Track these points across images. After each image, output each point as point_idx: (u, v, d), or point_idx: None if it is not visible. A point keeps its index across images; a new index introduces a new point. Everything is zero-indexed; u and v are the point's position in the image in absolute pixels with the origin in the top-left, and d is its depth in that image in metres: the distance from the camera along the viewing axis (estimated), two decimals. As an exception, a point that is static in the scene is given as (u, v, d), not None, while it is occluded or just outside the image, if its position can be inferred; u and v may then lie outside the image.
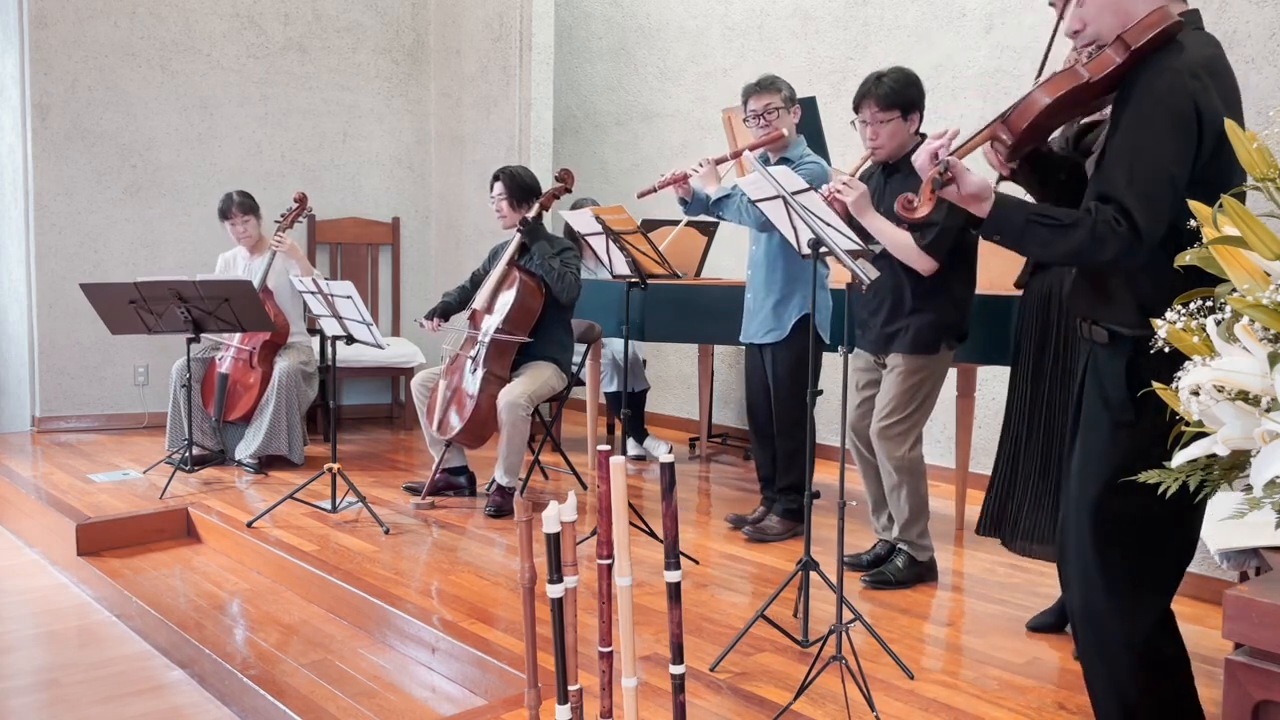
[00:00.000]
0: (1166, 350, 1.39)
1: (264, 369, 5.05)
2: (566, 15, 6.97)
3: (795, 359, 3.84)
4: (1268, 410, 1.22)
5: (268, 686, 2.84)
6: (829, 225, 2.74)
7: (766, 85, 3.83)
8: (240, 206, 5.16)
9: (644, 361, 5.83)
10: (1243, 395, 1.25)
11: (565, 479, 5.01)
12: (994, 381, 4.76)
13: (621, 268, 3.91)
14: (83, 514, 4.22)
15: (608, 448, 1.68)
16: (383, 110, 6.79)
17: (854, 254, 2.72)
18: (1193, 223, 1.43)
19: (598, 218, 3.77)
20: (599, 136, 6.99)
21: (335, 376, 4.38)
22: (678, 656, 1.70)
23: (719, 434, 6.08)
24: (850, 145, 4.59)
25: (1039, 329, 3.06)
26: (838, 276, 4.06)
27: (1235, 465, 1.32)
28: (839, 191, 3.18)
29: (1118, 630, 1.89)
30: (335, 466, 4.26)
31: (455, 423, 4.34)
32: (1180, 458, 1.34)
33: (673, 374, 6.53)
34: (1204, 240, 1.39)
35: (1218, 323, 1.32)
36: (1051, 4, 2.10)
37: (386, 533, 4.04)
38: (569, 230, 4.90)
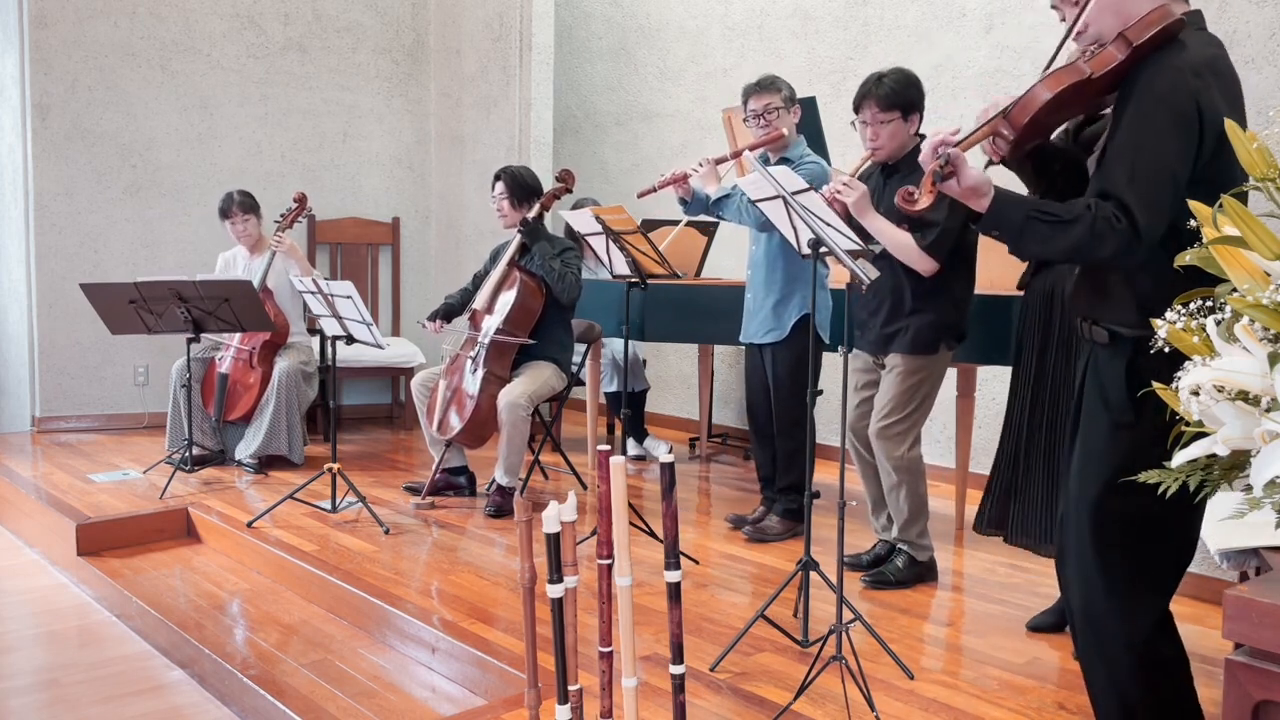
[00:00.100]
0: (1166, 350, 1.39)
1: (264, 369, 5.05)
2: (566, 15, 6.97)
3: (795, 359, 3.84)
4: (1268, 410, 1.22)
5: (268, 686, 2.84)
6: (829, 225, 2.74)
7: (766, 85, 3.83)
8: (241, 205, 5.16)
9: (644, 361, 5.83)
10: (1243, 395, 1.25)
11: (565, 479, 5.01)
12: (994, 381, 4.76)
13: (621, 268, 3.91)
14: (83, 514, 4.22)
15: (608, 448, 1.68)
16: (383, 110, 6.79)
17: (854, 254, 2.72)
18: (1193, 223, 1.43)
19: (598, 218, 3.77)
20: (599, 136, 6.99)
21: (335, 376, 4.38)
22: (678, 656, 1.70)
23: (719, 434, 6.08)
24: (850, 145, 4.59)
25: (1041, 329, 3.06)
26: (838, 276, 4.06)
27: (1235, 465, 1.32)
28: (839, 192, 3.18)
29: (1117, 630, 1.89)
30: (335, 466, 4.26)
31: (455, 423, 4.34)
32: (1180, 458, 1.34)
33: (673, 374, 6.53)
34: (1204, 240, 1.39)
35: (1218, 323, 1.32)
36: (1054, 7, 2.10)
37: (386, 533, 4.04)
38: (570, 230, 4.90)
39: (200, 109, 6.18)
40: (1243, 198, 1.33)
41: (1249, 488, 1.25)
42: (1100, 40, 1.91)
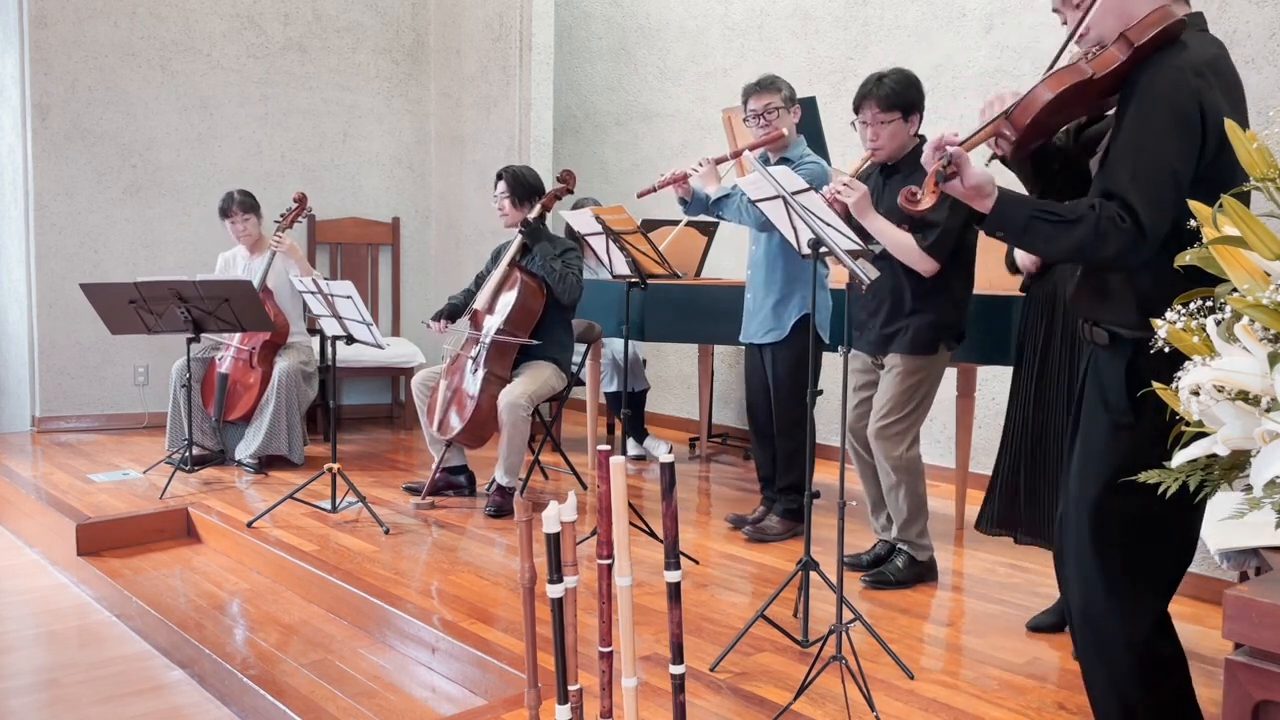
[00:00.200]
0: (1166, 350, 1.39)
1: (264, 369, 5.05)
2: (566, 15, 6.97)
3: (795, 359, 3.84)
4: (1268, 410, 1.22)
5: (268, 686, 2.84)
6: (829, 225, 2.74)
7: (766, 85, 3.83)
8: (241, 205, 5.16)
9: (644, 361, 5.83)
10: (1243, 395, 1.25)
11: (565, 479, 5.01)
12: (994, 381, 4.76)
13: (621, 268, 3.90)
14: (83, 514, 4.22)
15: (608, 448, 1.68)
16: (383, 110, 6.79)
17: (854, 254, 2.72)
18: (1193, 223, 1.43)
19: (598, 218, 3.77)
20: (599, 136, 6.99)
21: (335, 376, 4.38)
22: (678, 656, 1.70)
23: (719, 434, 6.08)
24: (850, 145, 4.59)
25: (1044, 331, 3.06)
26: (838, 276, 4.07)
27: (1235, 465, 1.32)
28: (839, 192, 3.18)
29: (1117, 631, 1.89)
30: (335, 466, 4.26)
31: (455, 423, 4.34)
32: (1180, 458, 1.34)
33: (673, 374, 6.53)
34: (1204, 240, 1.39)
35: (1218, 323, 1.32)
36: (1056, 10, 2.10)
37: (386, 533, 4.04)
38: (570, 230, 4.90)
39: (200, 109, 6.18)
40: (1244, 198, 1.33)
41: (1249, 488, 1.25)
42: (1102, 42, 1.91)
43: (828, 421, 5.28)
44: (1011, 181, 2.19)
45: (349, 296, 4.04)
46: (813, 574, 2.93)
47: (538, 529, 1.70)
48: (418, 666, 3.09)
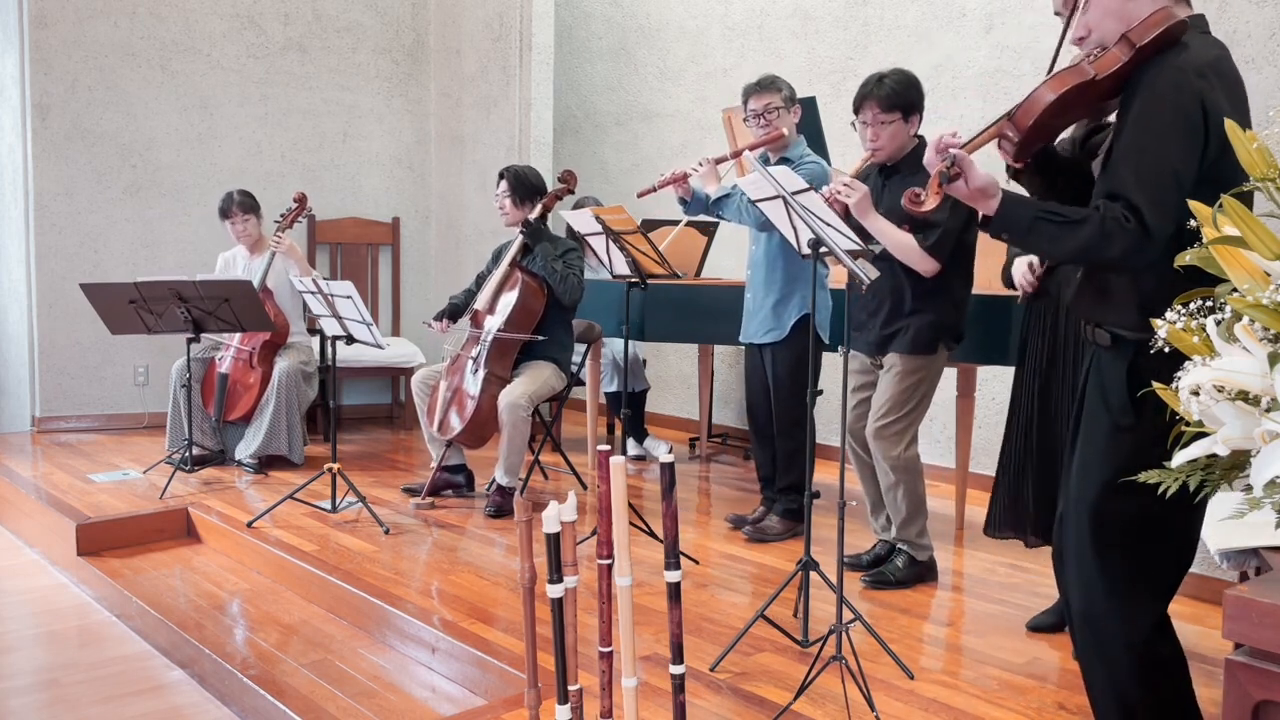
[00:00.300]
0: (1167, 350, 1.39)
1: (264, 369, 5.05)
2: (566, 15, 6.97)
3: (795, 359, 3.84)
4: (1268, 410, 1.22)
5: (268, 686, 2.84)
6: (829, 225, 2.74)
7: (767, 85, 3.83)
8: (241, 205, 5.16)
9: (644, 361, 5.83)
10: (1243, 395, 1.25)
11: (565, 479, 5.01)
12: (994, 381, 4.76)
13: (621, 268, 3.90)
14: (83, 514, 4.22)
15: (608, 448, 1.68)
16: (383, 110, 6.79)
17: (854, 254, 2.72)
18: (1193, 223, 1.43)
19: (598, 218, 3.77)
20: (599, 136, 6.99)
21: (335, 376, 4.38)
22: (678, 656, 1.70)
23: (719, 434, 6.08)
24: (850, 145, 4.59)
25: (1048, 332, 3.05)
26: (838, 276, 4.06)
27: (1235, 465, 1.32)
28: (840, 193, 3.18)
29: (1117, 631, 1.89)
30: (335, 466, 4.26)
31: (456, 423, 4.34)
32: (1180, 458, 1.34)
33: (673, 374, 6.53)
34: (1204, 240, 1.39)
35: (1218, 323, 1.32)
36: (1058, 13, 2.11)
37: (386, 533, 4.04)
38: (572, 230, 4.90)
39: (200, 109, 6.18)
40: (1245, 198, 1.33)
41: (1249, 488, 1.25)
42: (1103, 44, 1.91)
43: (827, 421, 5.28)
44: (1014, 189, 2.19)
45: (349, 296, 4.04)
46: (813, 574, 2.93)
47: (538, 529, 1.70)
48: (418, 666, 3.09)
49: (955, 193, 1.95)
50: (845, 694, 2.56)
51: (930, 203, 1.95)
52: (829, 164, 4.12)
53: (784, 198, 2.79)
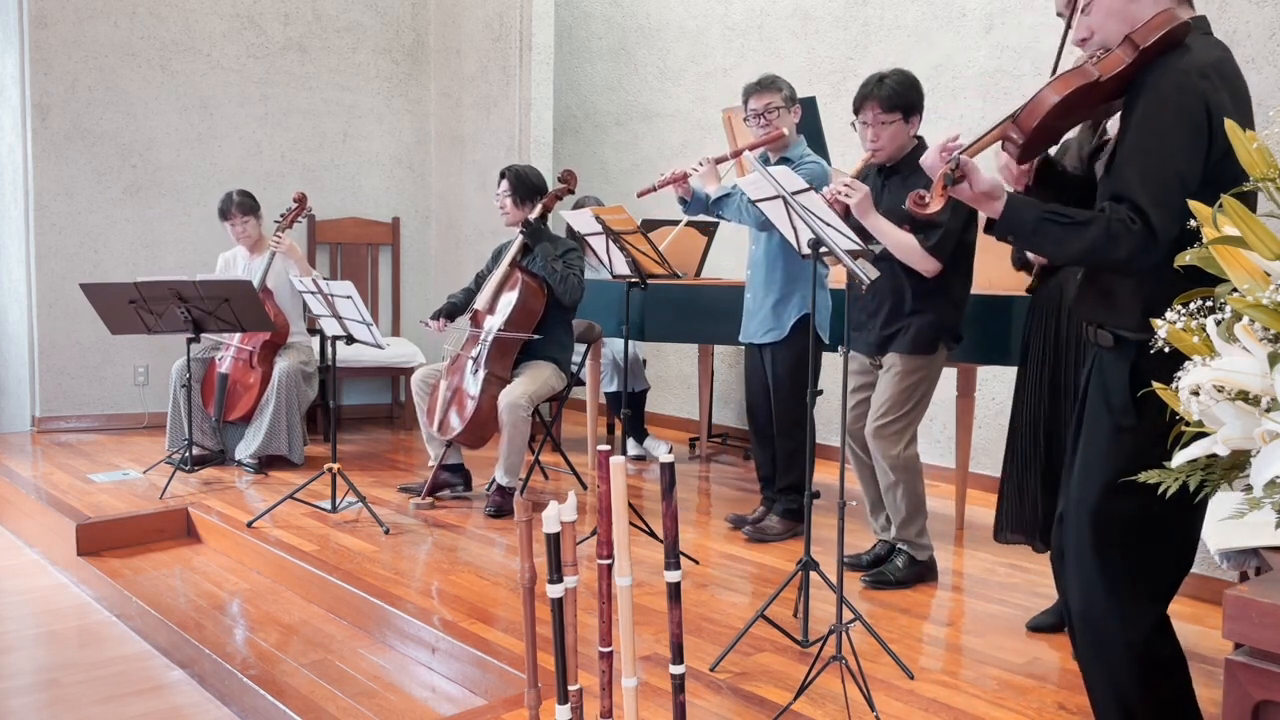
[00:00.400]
0: (1167, 350, 1.39)
1: (264, 369, 5.05)
2: (566, 15, 6.97)
3: (795, 359, 3.84)
4: (1268, 410, 1.22)
5: (268, 686, 2.84)
6: (829, 225, 2.74)
7: (767, 85, 3.83)
8: (240, 207, 5.16)
9: (644, 361, 5.83)
10: (1243, 395, 1.25)
11: (565, 479, 5.01)
12: (994, 381, 4.76)
13: (621, 268, 3.90)
14: (83, 514, 4.22)
15: (608, 448, 1.68)
16: (383, 110, 6.79)
17: (854, 254, 2.72)
18: (1193, 223, 1.43)
19: (598, 218, 3.77)
20: (599, 136, 6.99)
21: (335, 376, 4.38)
22: (678, 656, 1.70)
23: (719, 434, 6.08)
24: (850, 145, 4.59)
25: (1052, 334, 3.05)
26: (838, 276, 4.06)
27: (1235, 465, 1.32)
28: (841, 193, 3.18)
29: (1117, 631, 1.89)
30: (335, 466, 4.26)
31: (456, 424, 4.34)
32: (1180, 458, 1.34)
33: (673, 374, 6.53)
34: (1204, 240, 1.39)
35: (1218, 323, 1.32)
36: (1060, 14, 2.11)
37: (386, 533, 4.04)
38: (572, 230, 4.90)
39: (200, 109, 6.18)
40: (1245, 198, 1.33)
41: (1249, 488, 1.25)
42: (1106, 46, 1.91)
43: (827, 421, 5.28)
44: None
45: (349, 296, 4.04)
46: (813, 574, 2.93)
47: (538, 529, 1.70)
48: (418, 666, 3.09)
49: (960, 195, 1.95)
50: (845, 694, 2.56)
51: (935, 205, 1.95)
52: (829, 164, 4.12)
53: (784, 198, 2.79)
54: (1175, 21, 1.82)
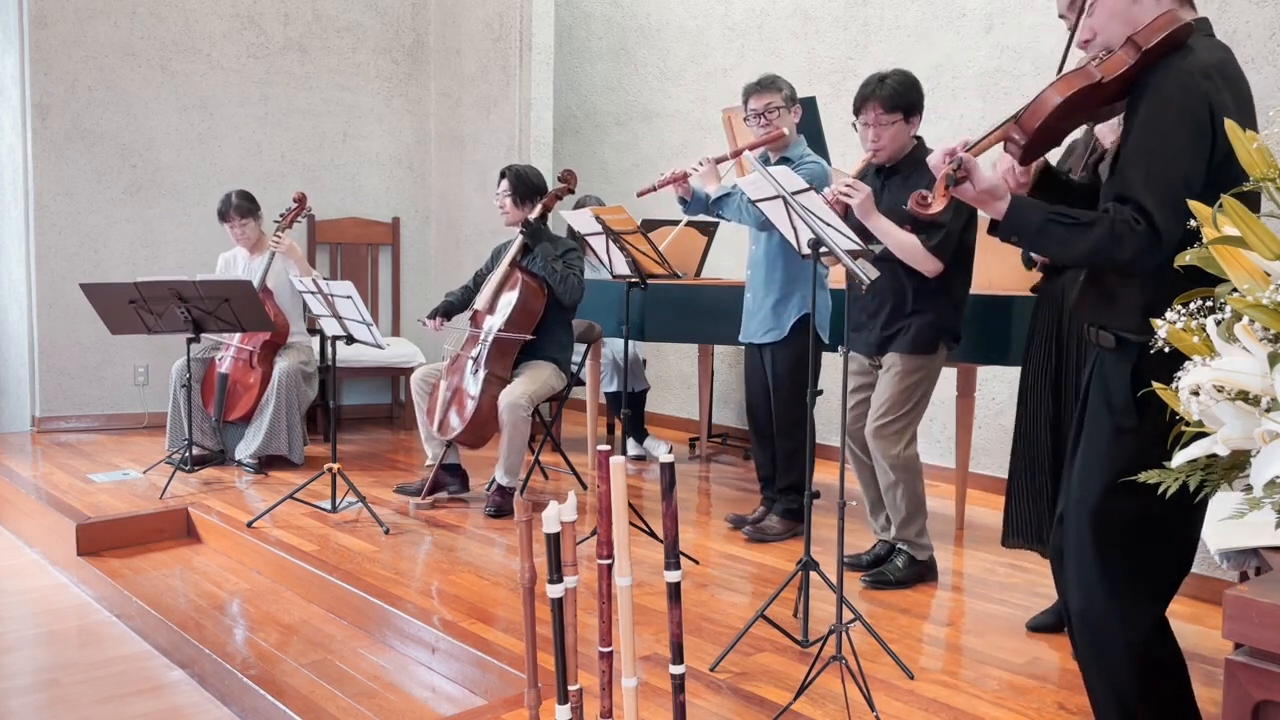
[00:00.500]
0: (1167, 351, 1.39)
1: (264, 369, 5.05)
2: (566, 15, 6.97)
3: (795, 359, 3.84)
4: (1268, 410, 1.22)
5: (268, 686, 2.84)
6: (829, 225, 2.74)
7: (767, 84, 3.83)
8: (238, 210, 5.15)
9: (644, 361, 5.83)
10: (1243, 395, 1.25)
11: (565, 479, 5.01)
12: (994, 381, 4.76)
13: (621, 268, 3.90)
14: (83, 514, 4.22)
15: (608, 448, 1.68)
16: (383, 110, 6.79)
17: (854, 254, 2.72)
18: (1193, 223, 1.43)
19: (598, 218, 3.77)
20: (599, 136, 6.99)
21: (335, 376, 4.38)
22: (678, 656, 1.70)
23: (719, 434, 6.08)
24: (850, 145, 4.59)
25: (1052, 337, 3.04)
26: (838, 276, 4.06)
27: (1235, 465, 1.32)
28: (843, 194, 3.18)
29: (1117, 631, 1.89)
30: (335, 466, 4.26)
31: (456, 424, 4.34)
32: (1180, 458, 1.34)
33: (673, 374, 6.53)
34: (1204, 240, 1.39)
35: (1218, 323, 1.32)
36: (1062, 16, 2.11)
37: (386, 533, 4.04)
38: (572, 230, 4.89)
39: (200, 109, 6.18)
40: (1246, 198, 1.33)
41: (1249, 488, 1.25)
42: (1109, 47, 1.91)
43: (827, 421, 5.28)
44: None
45: (349, 296, 4.04)
46: (813, 574, 2.93)
47: (538, 529, 1.70)
48: (418, 666, 3.09)
49: (963, 195, 1.95)
50: (845, 694, 2.56)
51: (937, 205, 1.95)
52: (829, 164, 4.12)
53: (784, 198, 2.79)
54: (1178, 23, 1.82)
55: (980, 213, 2.06)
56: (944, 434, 4.99)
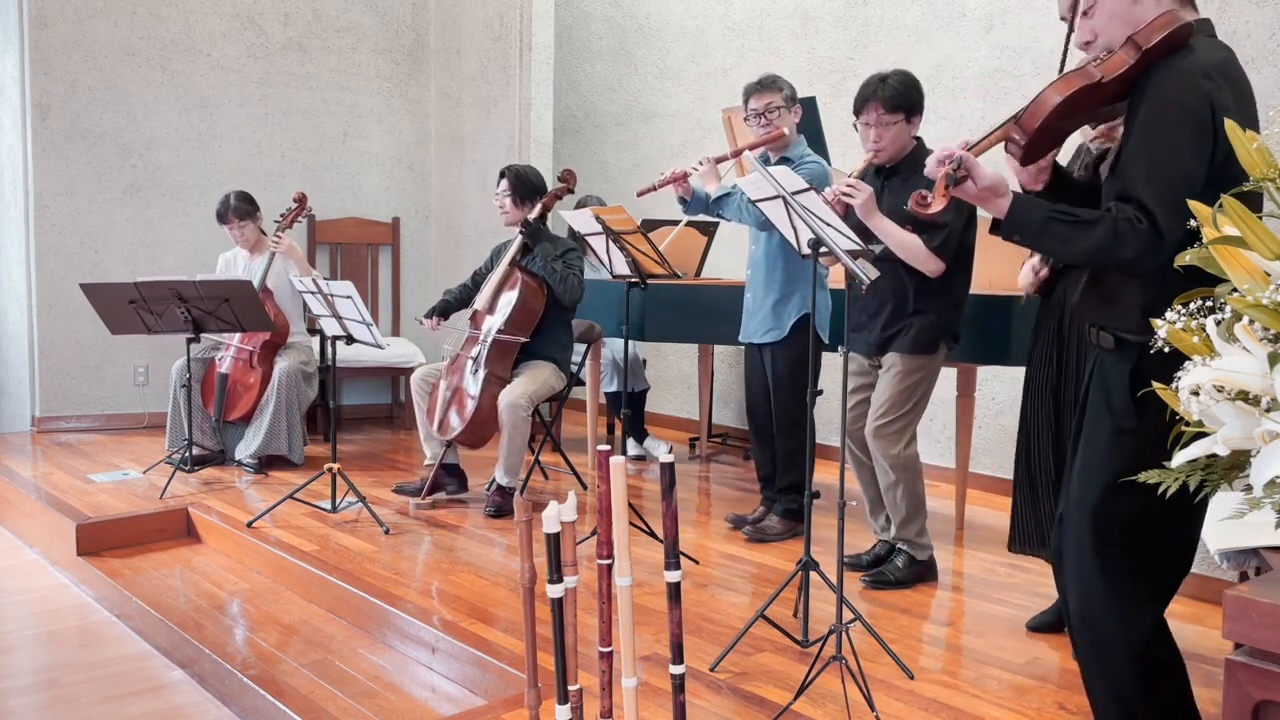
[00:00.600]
0: (1167, 350, 1.39)
1: (264, 369, 5.05)
2: (566, 15, 6.97)
3: (795, 359, 3.84)
4: (1268, 410, 1.22)
5: (268, 686, 2.84)
6: (829, 225, 2.74)
7: (768, 84, 3.83)
8: (236, 212, 5.14)
9: (644, 361, 5.83)
10: (1243, 395, 1.25)
11: (565, 479, 5.01)
12: (994, 381, 4.76)
13: (621, 268, 3.90)
14: (83, 514, 4.22)
15: (608, 448, 1.68)
16: (383, 110, 6.79)
17: (854, 254, 2.72)
18: (1193, 223, 1.43)
19: (598, 218, 3.77)
20: (599, 136, 6.99)
21: (335, 376, 4.38)
22: (678, 656, 1.70)
23: (719, 434, 6.08)
24: (850, 145, 4.59)
25: (1054, 339, 3.04)
26: (838, 276, 4.06)
27: (1235, 465, 1.32)
28: (844, 194, 3.18)
29: (1116, 632, 1.89)
30: (335, 466, 4.26)
31: (456, 424, 4.34)
32: (1180, 458, 1.34)
33: (673, 374, 6.53)
34: (1204, 240, 1.39)
35: (1218, 323, 1.32)
36: (1063, 18, 2.11)
37: (386, 533, 4.04)
38: (572, 230, 4.89)
39: (200, 109, 6.18)
40: (1246, 198, 1.33)
41: (1249, 488, 1.25)
42: (1109, 47, 1.91)
43: (827, 421, 5.28)
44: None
45: (349, 296, 4.04)
46: (813, 574, 2.93)
47: (538, 529, 1.70)
48: (418, 666, 3.09)
49: (964, 194, 1.95)
50: (845, 694, 2.56)
51: (938, 205, 1.95)
52: (829, 164, 4.12)
53: (784, 198, 2.79)
54: (1178, 23, 1.82)
55: (981, 212, 2.06)
56: (944, 434, 4.99)
